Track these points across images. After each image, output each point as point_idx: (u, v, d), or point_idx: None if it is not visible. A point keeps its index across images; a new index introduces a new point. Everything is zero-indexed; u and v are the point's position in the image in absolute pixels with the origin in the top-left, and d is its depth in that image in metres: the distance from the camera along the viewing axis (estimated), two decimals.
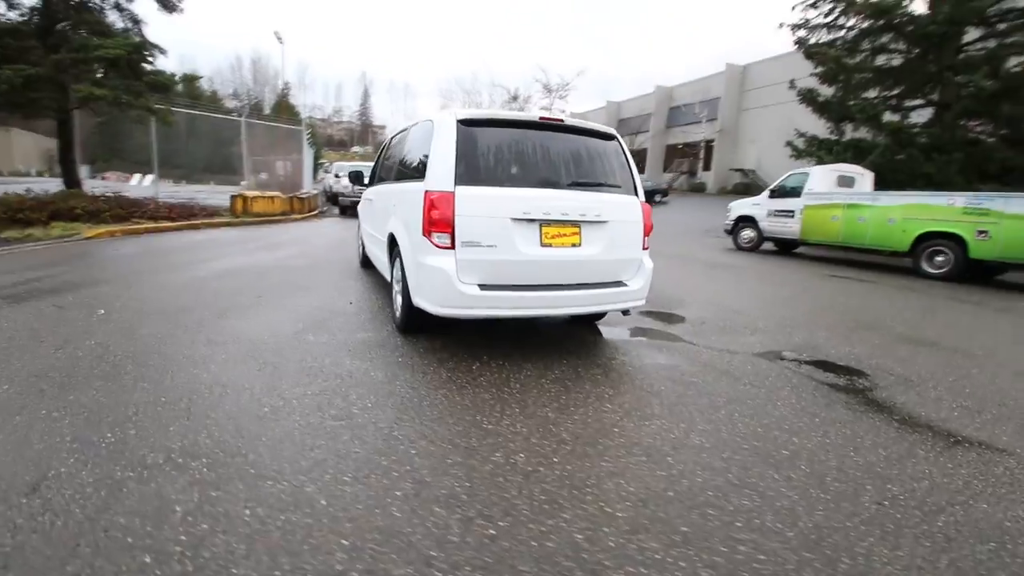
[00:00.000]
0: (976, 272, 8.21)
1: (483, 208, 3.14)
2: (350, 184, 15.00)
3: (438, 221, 3.11)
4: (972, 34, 13.41)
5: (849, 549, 1.73)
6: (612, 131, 3.67)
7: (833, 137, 15.64)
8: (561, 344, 3.83)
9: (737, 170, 30.43)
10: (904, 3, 13.62)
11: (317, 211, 15.42)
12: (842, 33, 15.55)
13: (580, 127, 3.53)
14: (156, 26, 10.62)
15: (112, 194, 10.55)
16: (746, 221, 11.65)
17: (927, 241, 8.48)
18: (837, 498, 2.03)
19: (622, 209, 3.50)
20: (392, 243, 4.02)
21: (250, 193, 12.04)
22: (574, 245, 3.34)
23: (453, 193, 3.10)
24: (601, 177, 3.54)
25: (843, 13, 15.03)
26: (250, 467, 2.02)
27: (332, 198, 20.40)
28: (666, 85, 36.01)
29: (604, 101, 40.68)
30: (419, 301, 3.38)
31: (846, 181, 10.66)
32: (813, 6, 15.41)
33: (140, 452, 2.09)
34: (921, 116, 14.52)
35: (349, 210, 15.46)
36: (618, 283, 3.54)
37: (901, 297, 6.77)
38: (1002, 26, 13.25)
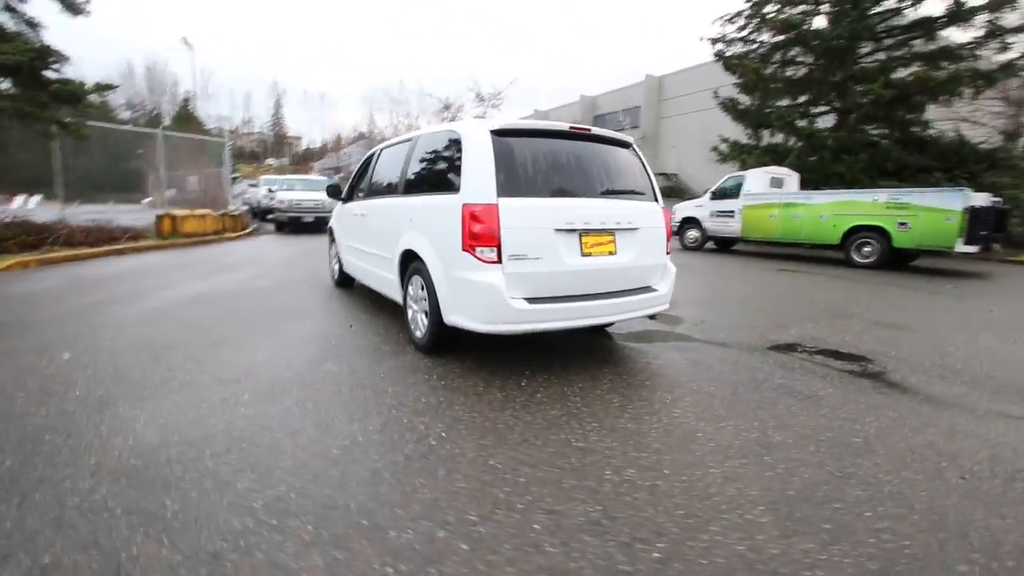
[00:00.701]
0: (895, 259, 9.22)
1: (527, 219, 3.07)
2: (286, 199, 14.33)
3: (482, 235, 2.99)
4: (864, 48, 15.13)
5: (969, 523, 1.85)
6: (628, 139, 3.72)
7: (752, 142, 16.97)
8: (590, 354, 3.82)
9: (660, 174, 32.16)
10: (808, 20, 15.12)
11: (250, 229, 14.36)
12: (755, 47, 16.99)
13: (603, 135, 3.55)
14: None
15: (11, 219, 9.20)
16: (690, 222, 12.32)
17: (856, 234, 9.42)
18: (928, 477, 2.17)
19: (649, 215, 3.56)
20: (406, 260, 3.82)
21: (179, 212, 10.97)
22: (610, 253, 3.35)
23: (496, 205, 3.00)
24: (628, 184, 3.58)
25: (756, 28, 16.43)
26: (360, 518, 1.81)
27: (261, 214, 19.18)
28: (590, 94, 37.38)
29: (531, 110, 41.43)
30: (455, 319, 3.23)
31: (777, 182, 11.60)
32: (730, 21, 16.71)
33: (220, 517, 1.81)
34: (826, 122, 16.13)
35: (286, 226, 14.57)
36: (647, 288, 3.58)
37: (848, 286, 7.45)
38: (889, 41, 15.08)
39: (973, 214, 8.21)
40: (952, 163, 13.78)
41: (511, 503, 1.91)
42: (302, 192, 14.89)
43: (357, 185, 5.61)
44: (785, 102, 16.34)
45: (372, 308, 5.09)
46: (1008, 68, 12.84)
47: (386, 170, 4.54)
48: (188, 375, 3.19)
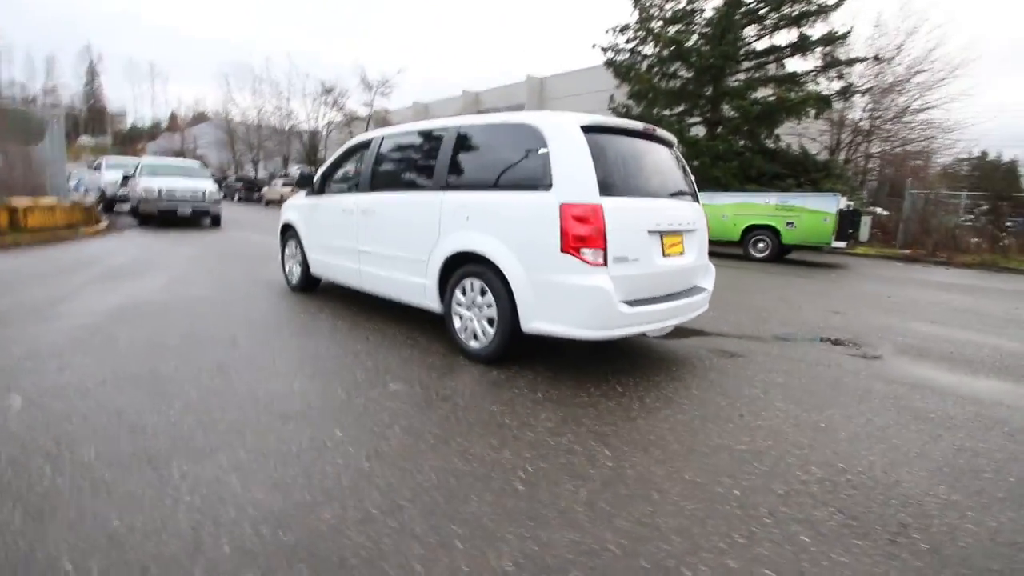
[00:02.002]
0: (781, 253, 10.78)
1: (628, 220, 2.98)
2: (155, 188, 12.06)
3: (589, 236, 2.83)
4: (730, 68, 17.31)
5: None
6: (672, 138, 3.78)
7: None
8: (640, 353, 3.84)
9: None
10: (688, 39, 16.83)
11: (104, 223, 11.83)
12: (640, 58, 18.47)
13: (659, 135, 3.57)
14: None
15: None
16: None
17: (752, 232, 10.79)
18: (1011, 439, 2.58)
19: (699, 216, 3.69)
20: (453, 263, 3.47)
21: (21, 201, 8.59)
22: (680, 254, 3.40)
23: (601, 205, 2.86)
24: (685, 186, 3.66)
25: (643, 41, 17.87)
26: (637, 562, 1.61)
27: (107, 204, 15.90)
28: (472, 90, 37.36)
29: (411, 101, 40.14)
30: (541, 326, 3.03)
31: None
32: (621, 32, 17.93)
33: None
34: (697, 131, 18.17)
35: (153, 220, 12.31)
36: (699, 288, 3.71)
37: (764, 277, 8.52)
38: (747, 64, 17.43)
39: (842, 215, 9.93)
40: (798, 171, 16.44)
41: (756, 518, 1.85)
42: (174, 179, 12.66)
43: (332, 176, 4.95)
44: (668, 111, 18.05)
45: (370, 314, 4.53)
46: (842, 93, 15.69)
47: (404, 161, 4.06)
48: (230, 414, 2.54)
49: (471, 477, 2.05)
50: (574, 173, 2.92)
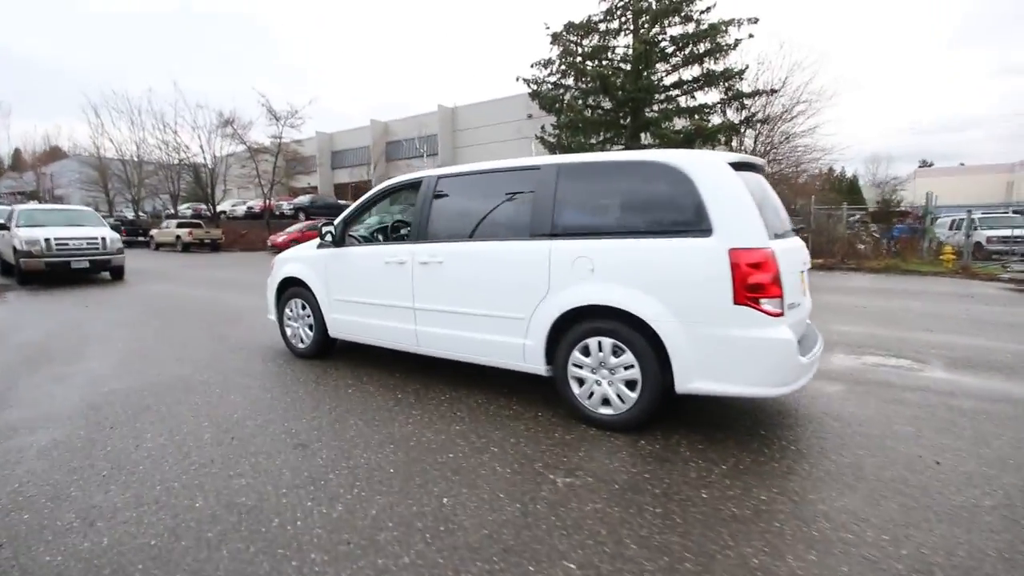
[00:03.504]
0: None
1: (791, 263, 2.77)
2: (40, 239, 9.94)
3: (766, 284, 2.56)
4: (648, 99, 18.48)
5: None
6: (763, 162, 3.64)
7: None
8: (759, 402, 3.62)
9: None
10: (612, 74, 17.73)
11: None
12: (562, 91, 19.14)
13: (763, 164, 3.44)
14: None
15: None
16: None
17: None
18: None
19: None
20: (566, 320, 3.02)
21: None
22: (805, 293, 3.25)
23: (773, 249, 2.61)
24: (792, 220, 3.55)
25: (565, 75, 18.57)
26: None
27: None
28: (381, 120, 36.48)
29: (313, 132, 38.16)
30: (707, 385, 2.69)
31: None
32: (545, 66, 18.50)
33: None
34: None
35: (39, 278, 10.15)
36: (810, 324, 3.56)
37: None
38: (660, 96, 18.73)
39: None
40: None
41: None
42: (63, 228, 10.57)
43: (355, 223, 4.26)
44: (594, 140, 18.81)
45: (425, 380, 3.86)
46: (746, 122, 17.35)
47: (481, 206, 3.52)
48: (402, 553, 1.87)
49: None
50: (739, 215, 2.65)
